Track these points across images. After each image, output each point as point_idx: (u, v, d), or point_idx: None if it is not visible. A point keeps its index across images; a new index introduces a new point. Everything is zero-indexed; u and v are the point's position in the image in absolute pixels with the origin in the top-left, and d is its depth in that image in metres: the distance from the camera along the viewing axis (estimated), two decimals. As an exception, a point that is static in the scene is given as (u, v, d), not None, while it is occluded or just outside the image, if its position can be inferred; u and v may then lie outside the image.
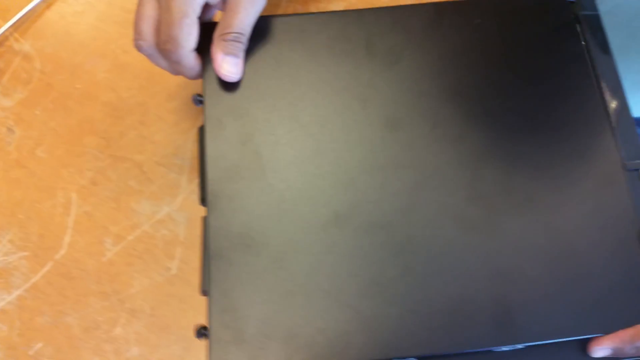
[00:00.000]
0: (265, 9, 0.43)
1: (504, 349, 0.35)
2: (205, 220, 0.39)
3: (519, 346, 0.35)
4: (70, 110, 0.53)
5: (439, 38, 0.44)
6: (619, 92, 0.42)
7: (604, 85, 0.42)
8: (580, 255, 0.37)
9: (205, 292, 0.37)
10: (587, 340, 0.36)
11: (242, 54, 0.42)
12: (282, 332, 0.36)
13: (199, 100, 0.43)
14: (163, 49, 0.40)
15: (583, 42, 0.43)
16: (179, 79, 0.53)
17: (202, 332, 0.36)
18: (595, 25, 0.44)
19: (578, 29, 0.44)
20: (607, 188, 0.39)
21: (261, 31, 0.44)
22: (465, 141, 0.40)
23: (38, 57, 0.55)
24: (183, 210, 0.49)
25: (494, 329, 0.35)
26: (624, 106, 0.42)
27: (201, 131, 0.42)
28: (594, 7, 0.44)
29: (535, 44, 0.43)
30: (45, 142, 0.52)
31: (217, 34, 0.41)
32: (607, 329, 0.35)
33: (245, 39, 0.42)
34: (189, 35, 0.40)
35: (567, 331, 0.35)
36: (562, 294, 0.36)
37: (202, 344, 0.45)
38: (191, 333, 0.46)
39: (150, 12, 0.40)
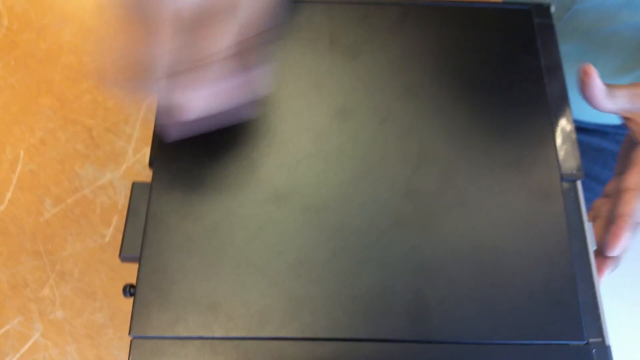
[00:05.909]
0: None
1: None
2: (135, 185, 0.39)
3: None
4: (31, 69, 0.52)
5: (399, 39, 0.44)
6: (564, 103, 0.42)
7: (551, 96, 0.42)
8: (505, 263, 0.37)
9: (124, 257, 0.37)
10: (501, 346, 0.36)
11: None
12: (205, 299, 0.35)
13: None
14: None
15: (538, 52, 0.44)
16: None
17: (129, 290, 0.36)
18: (549, 35, 0.44)
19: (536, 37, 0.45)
20: (542, 198, 0.39)
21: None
22: (410, 139, 0.40)
23: (6, 14, 0.55)
24: (125, 178, 0.49)
25: (408, 323, 0.35)
26: (568, 118, 0.42)
27: None
28: (548, 16, 0.45)
29: (493, 52, 0.44)
30: (2, 97, 0.51)
31: None
32: (520, 338, 0.35)
33: None
34: None
35: (480, 335, 0.35)
36: (481, 298, 0.36)
37: (125, 313, 0.44)
38: (117, 302, 0.45)
39: None
